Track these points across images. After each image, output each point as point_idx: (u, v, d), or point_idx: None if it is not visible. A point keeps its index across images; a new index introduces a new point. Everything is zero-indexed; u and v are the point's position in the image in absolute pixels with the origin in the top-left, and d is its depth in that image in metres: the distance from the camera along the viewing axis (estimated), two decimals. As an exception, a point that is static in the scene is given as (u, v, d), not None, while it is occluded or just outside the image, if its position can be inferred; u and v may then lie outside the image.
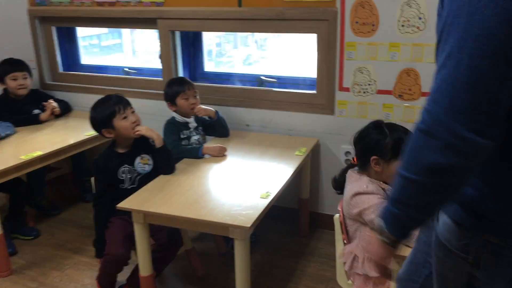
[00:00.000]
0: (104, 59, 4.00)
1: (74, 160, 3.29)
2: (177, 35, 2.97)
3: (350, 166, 1.92)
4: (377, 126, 1.81)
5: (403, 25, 2.33)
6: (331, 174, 2.75)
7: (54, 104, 3.15)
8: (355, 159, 1.89)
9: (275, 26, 2.63)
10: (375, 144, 1.76)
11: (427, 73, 2.36)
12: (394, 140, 1.73)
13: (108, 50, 4.05)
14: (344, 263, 1.82)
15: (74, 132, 2.93)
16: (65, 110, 3.27)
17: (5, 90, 3.12)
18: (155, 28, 2.94)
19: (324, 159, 2.77)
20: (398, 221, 0.98)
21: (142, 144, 2.28)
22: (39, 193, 3.19)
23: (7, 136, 2.84)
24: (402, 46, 2.37)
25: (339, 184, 1.92)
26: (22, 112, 3.12)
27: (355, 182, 1.78)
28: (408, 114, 2.45)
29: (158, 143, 2.26)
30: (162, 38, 2.94)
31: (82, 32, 3.61)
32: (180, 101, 2.55)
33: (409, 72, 2.40)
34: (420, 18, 2.28)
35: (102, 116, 2.19)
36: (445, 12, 0.86)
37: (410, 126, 1.75)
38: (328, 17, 2.46)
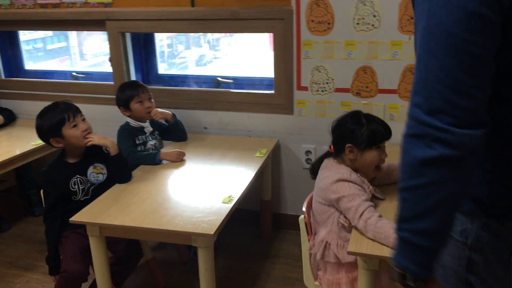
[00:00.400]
0: (50, 64, 3.80)
1: (18, 172, 3.10)
2: (128, 36, 2.85)
3: (328, 154, 1.92)
4: (355, 115, 1.84)
5: (358, 23, 2.34)
6: (292, 174, 2.75)
7: None
8: (331, 148, 1.89)
9: (230, 26, 2.58)
10: (351, 132, 1.78)
11: (383, 70, 2.39)
12: (370, 130, 1.76)
13: (54, 53, 3.86)
14: (316, 253, 1.80)
15: (20, 142, 2.76)
16: (9, 119, 3.08)
17: None
18: (103, 30, 2.81)
19: (285, 159, 2.74)
20: (413, 249, 0.88)
21: (94, 153, 2.16)
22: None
23: None
24: (358, 44, 2.37)
25: (315, 170, 1.91)
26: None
27: (336, 169, 1.79)
28: (366, 112, 2.45)
29: (113, 150, 2.15)
30: (111, 40, 2.81)
31: (25, 36, 3.42)
32: (134, 105, 2.44)
33: (365, 70, 2.41)
34: (374, 16, 2.29)
35: (49, 125, 2.06)
36: (414, 17, 0.91)
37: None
38: (284, 16, 2.44)
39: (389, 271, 0.95)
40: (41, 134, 2.11)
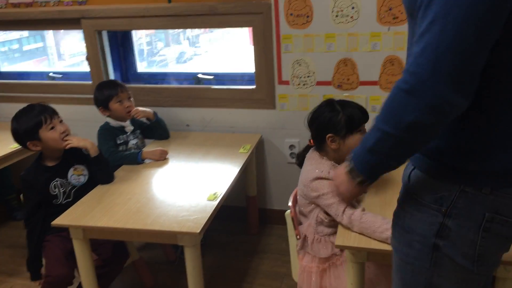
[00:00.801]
0: (27, 65, 3.71)
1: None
2: (105, 35, 2.80)
3: (308, 147, 1.90)
4: (328, 104, 1.81)
5: (337, 15, 2.33)
6: (277, 169, 2.75)
7: None
8: (311, 141, 1.87)
9: (208, 21, 2.55)
10: (328, 121, 1.76)
11: (364, 62, 2.39)
12: (347, 116, 1.74)
13: (31, 54, 3.77)
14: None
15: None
16: (-15, 122, 3.00)
17: None
18: (79, 29, 2.75)
19: (269, 154, 2.73)
20: (370, 166, 1.05)
21: (74, 154, 2.12)
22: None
23: None
24: (338, 36, 2.37)
25: (300, 162, 1.89)
26: None
27: (317, 164, 1.77)
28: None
29: (93, 152, 2.11)
30: (87, 39, 2.75)
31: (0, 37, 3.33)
32: (114, 105, 2.40)
33: (346, 62, 2.41)
34: (353, 8, 2.29)
35: (26, 128, 2.01)
36: None
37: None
38: (262, 10, 2.42)
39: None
40: (18, 137, 2.05)
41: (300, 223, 1.87)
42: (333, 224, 1.70)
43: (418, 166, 1.08)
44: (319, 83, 2.49)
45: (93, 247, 1.97)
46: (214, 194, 1.96)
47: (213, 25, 2.61)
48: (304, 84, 2.52)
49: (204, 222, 1.75)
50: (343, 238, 1.55)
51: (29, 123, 2.01)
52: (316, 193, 1.71)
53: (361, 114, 1.78)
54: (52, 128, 2.04)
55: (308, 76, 2.49)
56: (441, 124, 0.93)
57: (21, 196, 2.09)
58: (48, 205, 2.04)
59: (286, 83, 2.54)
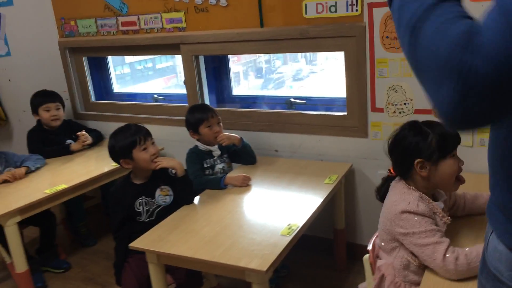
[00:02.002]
0: (158, 82, 3.97)
1: (102, 191, 3.27)
2: (201, 59, 2.88)
3: (388, 179, 1.69)
4: (413, 126, 1.58)
5: (439, 37, 2.09)
6: (368, 202, 2.54)
7: (86, 135, 3.14)
8: (391, 170, 1.67)
9: (300, 45, 2.47)
10: (416, 145, 1.53)
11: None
12: (439, 136, 1.50)
13: (162, 72, 4.02)
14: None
15: (106, 161, 2.85)
16: (97, 139, 3.26)
17: (38, 121, 3.15)
18: (178, 53, 2.87)
19: (359, 186, 2.54)
20: None
21: (160, 175, 2.18)
22: (78, 220, 3.20)
23: (37, 169, 2.84)
24: (440, 60, 2.12)
25: (382, 195, 1.69)
26: (55, 142, 3.14)
27: (402, 194, 1.56)
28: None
29: (180, 172, 2.16)
30: (185, 63, 2.85)
31: (132, 58, 3.60)
32: (203, 129, 2.43)
33: (449, 88, 2.15)
34: (459, 28, 2.04)
35: (121, 145, 2.11)
36: None
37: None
38: (355, 33, 2.27)
39: None
40: (113, 154, 2.17)
41: (378, 256, 1.67)
42: (422, 270, 1.48)
43: (495, 228, 0.88)
44: (417, 111, 2.25)
45: (170, 271, 1.99)
46: (289, 228, 1.85)
47: (304, 49, 2.53)
48: (400, 112, 2.30)
49: (273, 260, 1.65)
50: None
51: (125, 142, 2.11)
52: (403, 230, 1.49)
53: (454, 134, 1.53)
54: (145, 149, 2.12)
55: (404, 104, 2.27)
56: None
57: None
58: (132, 222, 2.12)
59: (380, 110, 2.35)
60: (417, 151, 1.53)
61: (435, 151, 1.50)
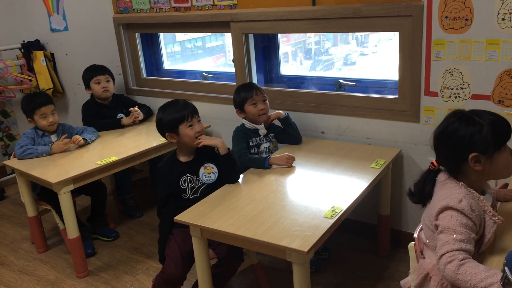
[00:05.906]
0: (207, 61, 4.00)
1: (150, 166, 3.37)
2: (251, 37, 2.86)
3: (431, 172, 1.57)
4: (462, 117, 1.46)
5: (503, 19, 1.96)
6: (414, 190, 2.46)
7: (138, 111, 3.23)
8: (435, 163, 1.55)
9: (352, 25, 2.39)
10: (470, 139, 1.42)
11: (535, 75, 1.97)
12: (493, 126, 1.40)
13: (212, 51, 4.04)
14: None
15: (154, 136, 2.92)
16: (148, 114, 3.34)
17: (91, 95, 3.26)
18: (228, 32, 2.86)
19: (407, 172, 2.47)
20: None
21: (205, 153, 2.20)
22: (126, 192, 3.33)
23: (92, 141, 2.96)
24: (503, 43, 1.99)
25: (421, 190, 1.58)
26: (107, 116, 3.25)
27: (450, 190, 1.46)
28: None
29: (222, 150, 2.17)
30: (235, 42, 2.84)
31: (183, 36, 3.65)
32: (248, 107, 2.43)
33: (511, 74, 2.02)
34: (526, 9, 1.90)
35: (170, 120, 2.14)
36: None
37: None
38: (412, 13, 2.17)
39: None
40: (160, 126, 2.20)
41: (422, 254, 1.61)
42: None
43: None
44: (474, 97, 2.14)
45: (212, 245, 2.03)
46: (333, 210, 1.83)
47: (357, 28, 2.45)
48: (456, 97, 2.19)
49: (315, 241, 1.64)
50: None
51: (173, 116, 2.13)
52: (440, 223, 1.41)
53: (506, 124, 1.43)
54: (191, 126, 2.14)
55: (461, 88, 2.16)
56: None
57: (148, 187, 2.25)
58: (177, 198, 2.16)
59: (434, 94, 2.25)
60: (471, 145, 1.42)
61: (491, 143, 1.40)
